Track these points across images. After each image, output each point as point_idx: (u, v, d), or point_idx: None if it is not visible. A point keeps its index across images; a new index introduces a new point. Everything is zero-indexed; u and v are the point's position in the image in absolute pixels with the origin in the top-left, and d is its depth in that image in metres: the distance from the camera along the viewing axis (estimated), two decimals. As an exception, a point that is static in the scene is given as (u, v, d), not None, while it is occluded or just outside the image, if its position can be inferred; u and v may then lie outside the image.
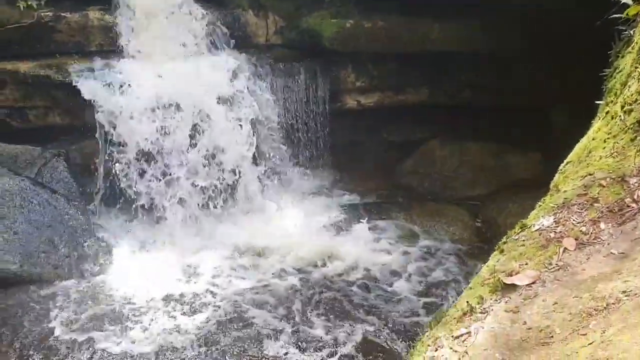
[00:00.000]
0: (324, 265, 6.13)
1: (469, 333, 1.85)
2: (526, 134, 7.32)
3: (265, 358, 4.85)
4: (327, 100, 7.51)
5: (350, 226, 6.85)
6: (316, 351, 4.91)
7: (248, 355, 4.87)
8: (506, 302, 1.93)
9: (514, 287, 1.97)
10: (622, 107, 2.52)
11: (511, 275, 2.02)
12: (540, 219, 2.27)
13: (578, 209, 2.21)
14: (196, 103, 6.51)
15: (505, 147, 7.66)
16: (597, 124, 2.73)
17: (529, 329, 1.78)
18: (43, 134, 6.62)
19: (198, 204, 6.65)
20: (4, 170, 6.12)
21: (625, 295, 1.73)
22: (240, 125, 6.73)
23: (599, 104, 2.91)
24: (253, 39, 7.45)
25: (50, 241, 5.88)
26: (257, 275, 5.98)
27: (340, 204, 7.36)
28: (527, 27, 6.37)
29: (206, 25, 6.93)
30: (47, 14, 6.52)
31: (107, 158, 6.40)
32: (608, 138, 2.50)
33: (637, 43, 2.74)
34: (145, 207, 6.50)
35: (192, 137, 6.54)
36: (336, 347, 4.95)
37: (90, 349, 4.94)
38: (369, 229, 6.74)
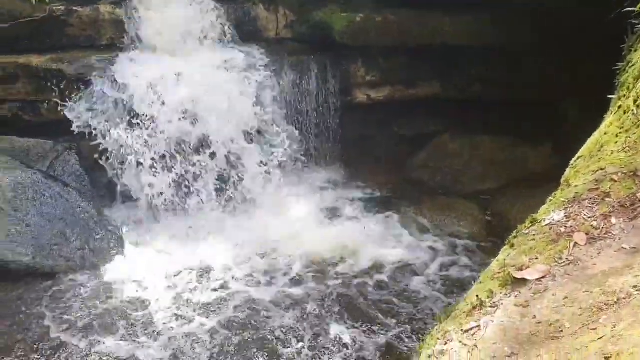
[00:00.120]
0: (337, 262, 6.05)
1: (478, 327, 1.85)
2: (537, 128, 7.28)
3: (279, 355, 4.77)
4: (337, 94, 7.51)
5: (362, 220, 6.83)
6: (332, 354, 4.81)
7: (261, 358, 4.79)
8: (516, 296, 1.93)
9: (524, 281, 1.97)
10: (635, 101, 2.51)
11: (521, 270, 2.02)
12: (551, 213, 2.26)
13: (589, 203, 2.21)
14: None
15: (516, 141, 7.63)
16: (609, 118, 2.72)
17: (539, 323, 1.78)
18: (55, 128, 6.66)
19: (210, 199, 6.65)
20: (16, 163, 6.17)
21: (636, 290, 1.72)
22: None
23: (611, 98, 2.89)
24: (264, 33, 7.45)
25: (62, 234, 5.92)
26: (269, 273, 5.91)
27: (351, 198, 7.36)
28: (538, 22, 6.34)
29: (217, 19, 6.93)
30: (59, 8, 6.56)
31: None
32: (620, 132, 2.49)
33: (650, 37, 2.72)
34: (157, 201, 6.50)
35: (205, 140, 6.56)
36: (352, 349, 4.84)
37: (98, 346, 4.90)
38: (380, 223, 6.74)
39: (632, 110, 2.49)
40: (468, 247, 6.34)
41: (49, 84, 6.46)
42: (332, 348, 4.87)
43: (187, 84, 6.43)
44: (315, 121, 7.55)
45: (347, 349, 4.85)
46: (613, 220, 2.10)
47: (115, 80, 6.34)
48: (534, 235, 2.19)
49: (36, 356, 4.79)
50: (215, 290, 5.65)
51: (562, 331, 1.72)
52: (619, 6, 3.08)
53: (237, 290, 5.64)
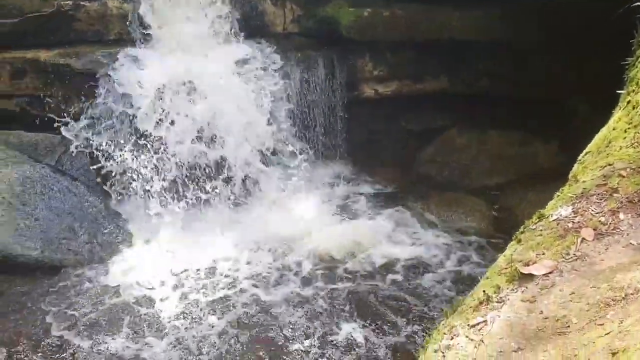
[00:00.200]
0: (346, 259, 6.00)
1: (485, 322, 1.85)
2: (545, 123, 7.25)
3: (288, 355, 4.70)
4: (344, 89, 7.50)
5: (370, 216, 6.82)
6: (342, 353, 4.73)
7: (269, 355, 4.72)
8: (523, 291, 1.92)
9: (531, 276, 1.97)
10: (644, 96, 2.49)
11: (528, 265, 2.02)
12: (559, 208, 2.26)
13: (597, 199, 2.20)
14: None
15: (525, 136, 7.60)
16: (617, 113, 2.70)
17: (546, 318, 1.78)
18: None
19: (219, 194, 6.62)
20: (24, 157, 6.21)
21: (644, 286, 1.72)
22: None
23: (620, 94, 2.88)
24: (271, 28, 7.43)
25: (71, 228, 5.96)
26: (277, 270, 5.85)
27: (359, 193, 7.34)
28: (544, 19, 6.30)
29: (225, 13, 6.91)
30: (67, 2, 6.56)
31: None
32: (629, 128, 2.48)
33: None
34: (165, 195, 6.45)
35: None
36: (363, 348, 4.77)
37: (103, 344, 4.87)
38: (389, 219, 6.72)
39: (641, 106, 2.48)
40: (476, 242, 6.31)
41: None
42: (342, 347, 4.80)
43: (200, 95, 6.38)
44: (322, 116, 7.54)
45: (358, 348, 4.78)
46: (621, 215, 2.09)
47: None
48: (541, 230, 2.19)
49: (40, 352, 4.78)
50: (223, 288, 5.59)
51: (569, 326, 1.72)
52: (628, 1, 3.06)
53: (245, 288, 5.57)
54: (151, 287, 5.60)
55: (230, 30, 6.97)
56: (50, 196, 5.98)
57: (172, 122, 6.29)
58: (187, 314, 5.25)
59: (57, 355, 4.76)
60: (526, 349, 1.69)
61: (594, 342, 1.60)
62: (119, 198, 6.49)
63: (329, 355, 4.72)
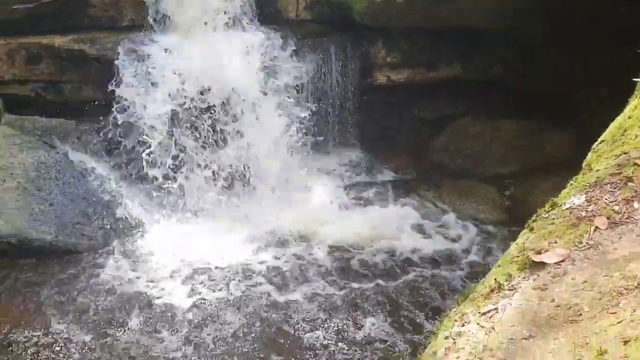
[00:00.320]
0: (361, 249, 5.96)
1: (496, 309, 1.85)
2: (558, 112, 7.19)
3: (305, 350, 4.65)
4: (357, 75, 7.46)
5: (382, 204, 6.80)
6: (360, 348, 4.66)
7: (286, 350, 4.66)
8: (534, 279, 1.92)
9: (542, 265, 1.96)
10: (660, 84, 2.47)
11: (540, 253, 2.01)
12: (572, 197, 2.25)
13: (611, 187, 2.18)
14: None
15: (539, 124, 7.54)
16: (633, 101, 2.68)
17: (557, 306, 1.78)
18: (77, 108, 6.72)
19: (231, 181, 6.62)
20: (39, 143, 6.26)
21: (657, 275, 1.71)
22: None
23: (636, 81, 2.85)
24: (284, 14, 7.40)
25: (85, 213, 6.01)
26: (292, 260, 5.80)
27: (372, 182, 7.33)
28: (550, 12, 6.23)
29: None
30: (81, -12, 6.59)
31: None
32: (644, 116, 2.46)
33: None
34: (178, 182, 6.43)
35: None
36: (381, 343, 4.71)
37: (113, 333, 4.85)
38: (402, 207, 6.72)
39: (658, 94, 2.45)
40: (490, 231, 6.30)
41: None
42: (359, 342, 4.73)
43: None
44: (335, 103, 7.51)
45: (375, 343, 4.72)
46: (635, 204, 2.08)
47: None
48: (553, 219, 2.18)
49: (49, 338, 4.77)
50: (237, 279, 5.52)
51: (580, 315, 1.71)
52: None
53: (259, 281, 5.52)
54: (163, 277, 5.59)
55: (245, 16, 6.93)
56: (64, 181, 6.04)
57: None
58: (199, 306, 5.18)
59: (65, 344, 4.74)
60: (537, 337, 1.69)
61: (605, 331, 1.60)
62: (134, 184, 6.51)
63: (347, 350, 4.65)
